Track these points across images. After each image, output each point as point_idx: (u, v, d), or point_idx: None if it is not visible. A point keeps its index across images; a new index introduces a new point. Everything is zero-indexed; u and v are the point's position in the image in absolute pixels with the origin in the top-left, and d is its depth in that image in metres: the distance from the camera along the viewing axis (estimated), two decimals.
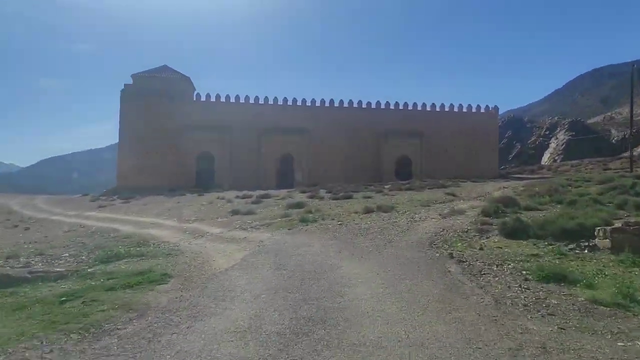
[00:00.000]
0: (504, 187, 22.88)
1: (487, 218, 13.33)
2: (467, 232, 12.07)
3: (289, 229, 13.89)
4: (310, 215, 15.70)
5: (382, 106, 47.61)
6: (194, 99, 44.02)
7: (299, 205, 18.29)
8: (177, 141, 41.89)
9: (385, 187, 28.00)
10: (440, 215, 14.77)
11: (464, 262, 9.19)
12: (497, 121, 52.41)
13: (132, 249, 11.91)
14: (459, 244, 10.85)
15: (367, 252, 10.44)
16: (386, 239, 11.73)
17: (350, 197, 21.40)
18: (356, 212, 16.10)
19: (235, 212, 17.39)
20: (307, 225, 14.38)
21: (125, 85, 42.68)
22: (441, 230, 12.41)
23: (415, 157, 46.29)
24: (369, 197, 21.26)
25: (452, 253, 9.84)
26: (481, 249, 10.36)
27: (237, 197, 24.13)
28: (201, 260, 10.10)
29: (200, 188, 34.85)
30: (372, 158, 46.28)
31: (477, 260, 9.29)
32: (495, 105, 50.58)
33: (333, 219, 15.14)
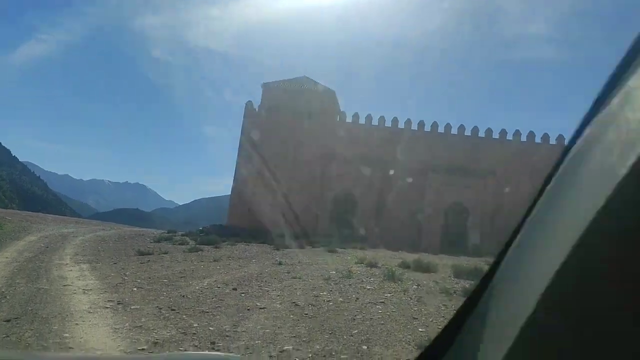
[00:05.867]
0: None
1: None
2: None
3: None
4: None
5: None
6: (338, 119, 33.11)
7: None
8: (309, 175, 31.03)
9: None
10: None
11: None
12: None
13: None
14: None
15: None
16: None
17: None
18: None
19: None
20: None
21: (250, 100, 33.56)
22: None
23: None
24: None
25: None
26: None
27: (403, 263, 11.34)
28: None
29: (335, 238, 23.09)
30: None
31: None
32: None
33: None
